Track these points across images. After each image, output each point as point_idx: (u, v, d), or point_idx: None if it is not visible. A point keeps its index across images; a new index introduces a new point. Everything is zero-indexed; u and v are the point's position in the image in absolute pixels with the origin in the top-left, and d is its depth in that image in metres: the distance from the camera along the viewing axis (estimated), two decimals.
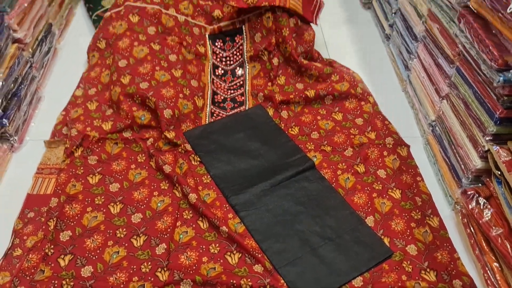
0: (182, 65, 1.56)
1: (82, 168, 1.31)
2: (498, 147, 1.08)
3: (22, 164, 1.35)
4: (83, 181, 1.28)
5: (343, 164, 1.36)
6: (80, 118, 1.46)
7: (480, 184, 1.19)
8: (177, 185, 1.26)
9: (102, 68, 1.61)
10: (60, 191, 1.24)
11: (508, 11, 0.91)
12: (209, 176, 1.31)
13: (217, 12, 1.66)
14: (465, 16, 1.18)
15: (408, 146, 1.43)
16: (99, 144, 1.37)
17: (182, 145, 1.37)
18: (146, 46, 1.55)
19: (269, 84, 1.59)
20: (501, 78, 1.01)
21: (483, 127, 1.12)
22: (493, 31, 1.08)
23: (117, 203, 1.22)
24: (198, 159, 1.36)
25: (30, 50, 1.49)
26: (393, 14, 1.80)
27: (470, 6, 1.16)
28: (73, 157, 1.33)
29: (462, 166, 1.23)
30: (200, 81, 1.57)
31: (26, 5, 1.45)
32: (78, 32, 1.88)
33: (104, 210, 1.21)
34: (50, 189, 1.26)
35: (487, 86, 1.10)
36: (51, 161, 1.34)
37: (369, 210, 1.24)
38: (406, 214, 1.23)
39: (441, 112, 1.36)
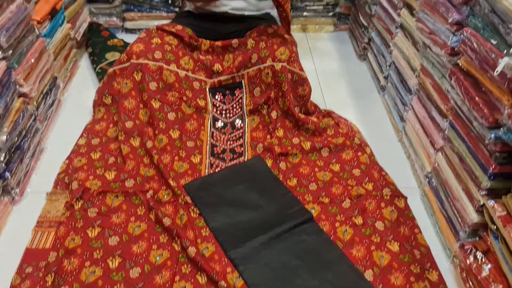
0: (180, 124, 1.62)
1: (81, 221, 1.32)
2: (493, 202, 1.09)
3: (22, 216, 1.36)
4: (82, 234, 1.28)
5: (341, 216, 1.37)
6: (84, 168, 1.49)
7: (477, 238, 1.19)
8: (176, 238, 1.26)
9: (109, 124, 1.66)
10: (59, 245, 1.24)
11: (495, 74, 0.95)
12: (208, 229, 1.32)
13: (217, 66, 1.71)
14: (455, 74, 1.22)
15: (405, 198, 1.44)
16: (100, 197, 1.38)
17: (182, 196, 1.39)
18: (147, 108, 1.62)
19: (268, 136, 1.63)
20: (493, 136, 1.04)
21: (477, 181, 1.14)
22: (483, 89, 1.12)
23: (116, 257, 1.22)
24: (198, 211, 1.37)
25: (34, 103, 1.53)
26: (387, 67, 1.86)
27: (460, 64, 1.21)
28: (73, 210, 1.34)
29: (459, 219, 1.24)
30: (198, 140, 1.61)
31: (33, 60, 1.50)
32: (82, 84, 1.94)
33: (103, 265, 1.20)
34: (49, 242, 1.26)
35: (479, 141, 1.13)
36: (51, 214, 1.35)
37: (368, 263, 1.24)
38: (405, 268, 1.22)
39: (436, 164, 1.38)
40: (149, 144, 1.53)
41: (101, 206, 1.36)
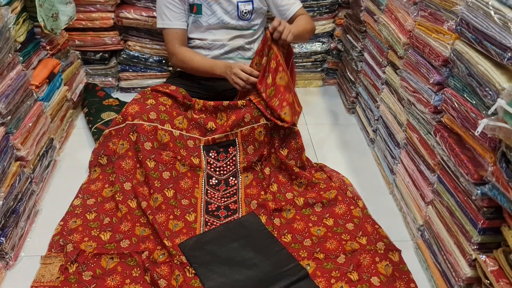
0: (175, 183, 1.65)
1: (76, 285, 1.31)
2: (485, 257, 1.11)
3: (16, 282, 1.34)
4: None
5: (337, 272, 1.37)
6: (79, 229, 1.49)
7: None
8: None
9: (105, 184, 1.68)
10: None
11: (476, 133, 1.00)
12: None
13: (210, 124, 1.76)
14: (440, 131, 1.27)
15: (399, 251, 1.45)
16: (95, 259, 1.38)
17: (177, 256, 1.39)
18: (143, 168, 1.65)
19: (262, 193, 1.65)
20: (479, 192, 1.07)
21: (468, 235, 1.16)
22: (467, 146, 1.16)
23: None
24: (193, 271, 1.36)
25: (31, 166, 1.55)
26: (375, 121, 1.92)
27: (444, 122, 1.27)
28: (68, 274, 1.34)
29: (453, 273, 1.25)
30: (192, 198, 1.63)
31: (30, 124, 1.54)
32: (78, 144, 1.97)
33: None
34: None
35: (467, 196, 1.16)
36: (45, 278, 1.34)
37: None
38: None
39: (427, 217, 1.41)
40: (144, 204, 1.55)
41: (95, 269, 1.36)
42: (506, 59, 0.93)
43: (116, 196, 1.60)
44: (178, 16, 1.87)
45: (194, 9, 1.87)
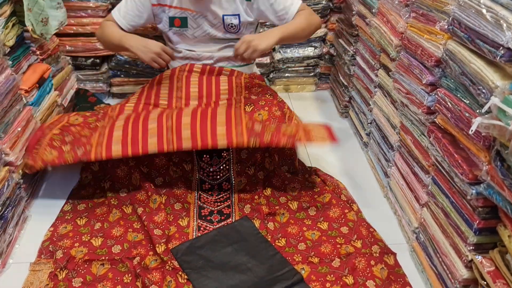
0: (168, 189, 1.65)
1: None
2: (481, 257, 1.10)
3: None
4: None
5: (332, 276, 1.36)
6: (69, 235, 1.47)
7: None
8: None
9: (96, 189, 1.67)
10: None
11: (470, 132, 1.00)
12: None
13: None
14: (434, 132, 1.27)
15: (394, 254, 1.44)
16: (85, 265, 1.35)
17: (169, 262, 1.37)
18: (137, 172, 1.65)
19: (256, 197, 1.64)
20: (474, 192, 1.06)
21: (464, 236, 1.15)
22: (461, 146, 1.16)
23: None
24: (186, 276, 1.34)
25: (20, 171, 1.52)
26: (369, 124, 1.92)
27: (437, 122, 1.26)
28: (57, 281, 1.31)
29: (449, 275, 1.23)
30: (185, 203, 1.62)
31: (19, 129, 1.51)
32: None
33: None
34: None
35: (462, 197, 1.15)
36: (34, 285, 1.30)
37: None
38: None
39: (422, 220, 1.40)
40: (140, 210, 1.55)
41: (86, 275, 1.33)
42: (499, 57, 0.93)
43: (112, 200, 1.60)
44: (131, 18, 1.79)
45: (177, 23, 1.80)
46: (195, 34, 1.82)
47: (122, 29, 1.80)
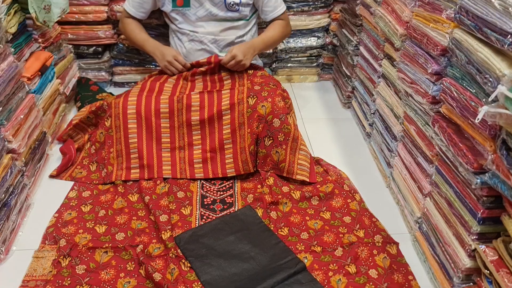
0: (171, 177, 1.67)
1: (69, 279, 1.28)
2: (484, 247, 1.10)
3: (7, 276, 1.31)
4: None
5: (334, 264, 1.36)
6: (74, 221, 1.48)
7: (471, 283, 1.19)
8: None
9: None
10: None
11: (476, 121, 0.99)
12: (200, 283, 1.29)
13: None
14: (438, 121, 1.26)
15: (397, 244, 1.44)
16: (89, 253, 1.36)
17: (173, 249, 1.37)
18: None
19: (259, 186, 1.64)
20: (479, 181, 1.06)
21: (467, 226, 1.15)
22: (466, 135, 1.15)
23: None
24: (189, 264, 1.34)
25: (23, 159, 1.52)
26: (371, 114, 1.91)
27: (442, 112, 1.25)
28: (60, 267, 1.31)
29: (452, 264, 1.23)
30: (188, 192, 1.63)
31: (22, 116, 1.51)
32: None
33: None
34: None
35: (466, 186, 1.15)
36: (38, 272, 1.31)
37: None
38: None
39: (425, 210, 1.40)
40: (147, 199, 1.56)
41: (89, 263, 1.33)
42: (506, 45, 0.92)
43: (119, 188, 1.62)
44: (138, 6, 1.95)
45: (179, 2, 1.86)
46: (198, 13, 1.86)
47: (135, 18, 1.97)
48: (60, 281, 1.27)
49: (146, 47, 1.94)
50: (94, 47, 2.24)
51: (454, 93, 1.15)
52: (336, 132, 2.08)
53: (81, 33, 2.19)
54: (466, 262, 1.16)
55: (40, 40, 1.79)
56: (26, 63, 1.65)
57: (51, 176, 1.70)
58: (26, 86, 1.60)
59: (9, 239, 1.39)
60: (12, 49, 1.53)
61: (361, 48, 2.03)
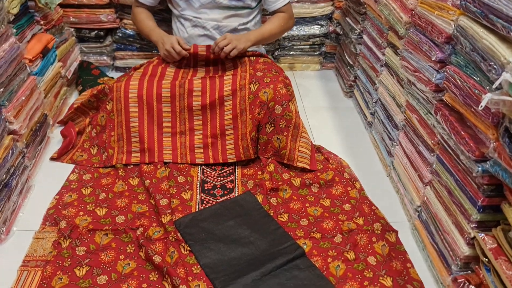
0: (171, 162, 1.68)
1: (69, 259, 1.29)
2: (483, 235, 1.10)
3: (8, 256, 1.32)
4: (69, 273, 1.25)
5: (333, 251, 1.37)
6: (74, 203, 1.49)
7: (470, 271, 1.19)
8: (166, 276, 1.24)
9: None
10: (45, 285, 1.21)
11: (480, 109, 0.99)
12: (199, 266, 1.30)
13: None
14: (440, 109, 1.26)
15: (396, 232, 1.45)
16: (89, 235, 1.36)
17: (173, 233, 1.38)
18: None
19: (259, 173, 1.64)
20: (480, 169, 1.06)
21: (467, 214, 1.16)
22: (468, 123, 1.15)
23: None
24: (188, 248, 1.35)
25: (24, 140, 1.52)
26: (373, 103, 1.91)
27: (445, 100, 1.25)
28: (61, 248, 1.32)
29: (450, 252, 1.24)
30: (188, 176, 1.64)
31: (24, 98, 1.51)
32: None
33: None
34: (36, 283, 1.22)
35: (467, 174, 1.15)
36: (38, 252, 1.32)
37: None
38: None
39: (425, 198, 1.40)
40: (147, 182, 1.57)
41: (89, 244, 1.34)
42: None
43: (120, 172, 1.63)
44: None
45: None
46: (202, 0, 1.85)
47: (144, 5, 1.97)
48: (60, 262, 1.28)
49: (151, 36, 1.93)
50: (96, 31, 2.24)
51: (458, 81, 1.15)
52: (337, 121, 2.08)
53: (83, 17, 2.18)
54: (464, 250, 1.17)
55: (42, 22, 1.78)
56: (28, 45, 1.65)
57: (52, 159, 1.70)
58: (27, 67, 1.59)
59: (9, 220, 1.40)
60: (14, 30, 1.53)
61: (365, 37, 2.02)
